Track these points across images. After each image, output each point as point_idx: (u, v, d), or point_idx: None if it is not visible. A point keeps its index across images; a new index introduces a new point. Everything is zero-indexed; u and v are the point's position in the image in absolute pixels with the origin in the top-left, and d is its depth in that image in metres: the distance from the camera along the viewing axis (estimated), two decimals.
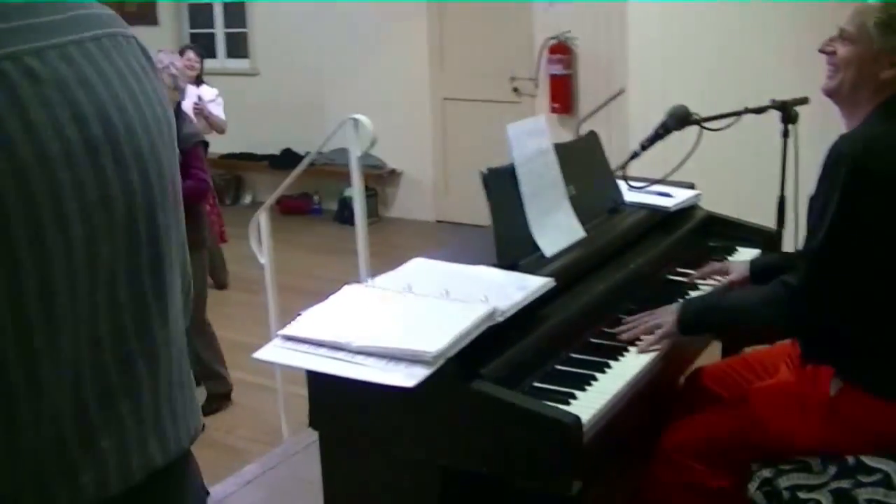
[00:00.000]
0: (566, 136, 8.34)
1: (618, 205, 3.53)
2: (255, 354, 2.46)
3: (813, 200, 2.67)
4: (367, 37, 10.05)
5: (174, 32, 11.71)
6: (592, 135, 3.58)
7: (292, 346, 2.45)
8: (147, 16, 11.85)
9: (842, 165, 2.54)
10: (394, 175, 10.35)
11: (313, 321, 2.53)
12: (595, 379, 2.64)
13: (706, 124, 3.46)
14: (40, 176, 1.17)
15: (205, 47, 11.41)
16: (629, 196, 3.62)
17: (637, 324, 2.94)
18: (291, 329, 2.49)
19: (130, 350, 1.32)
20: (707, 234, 3.82)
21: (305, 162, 5.14)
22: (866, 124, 2.65)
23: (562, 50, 8.90)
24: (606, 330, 2.96)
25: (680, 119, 3.45)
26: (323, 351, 2.39)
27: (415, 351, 2.29)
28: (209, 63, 11.48)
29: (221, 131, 8.31)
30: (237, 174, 11.24)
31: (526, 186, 3.05)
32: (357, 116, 4.63)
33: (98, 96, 1.26)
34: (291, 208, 10.61)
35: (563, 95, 8.97)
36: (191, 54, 8.12)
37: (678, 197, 3.69)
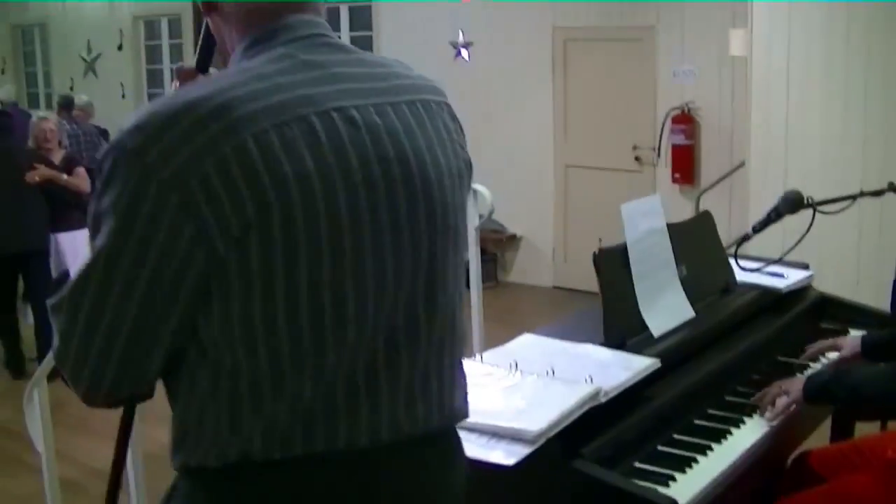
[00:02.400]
0: (687, 206, 8.43)
1: (730, 285, 3.55)
2: None
3: None
4: (493, 104, 10.20)
5: None
6: (706, 214, 3.61)
7: None
8: None
9: None
10: (514, 240, 10.43)
11: None
12: (696, 461, 2.65)
13: (821, 207, 3.46)
14: (345, 199, 1.55)
15: None
16: (742, 276, 3.63)
17: (765, 392, 3.00)
18: None
19: (398, 342, 1.66)
20: (820, 315, 3.81)
21: None
22: None
23: (685, 120, 8.95)
24: (711, 412, 2.97)
25: (792, 204, 3.48)
26: None
27: (517, 429, 2.35)
28: None
29: None
30: None
31: (637, 266, 3.10)
32: (476, 186, 4.73)
33: (401, 144, 1.64)
34: None
35: (684, 166, 9.00)
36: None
37: (791, 278, 3.69)
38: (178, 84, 1.92)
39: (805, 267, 3.88)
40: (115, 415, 1.87)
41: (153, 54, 14.59)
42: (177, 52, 14.00)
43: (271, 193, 1.49)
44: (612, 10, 9.24)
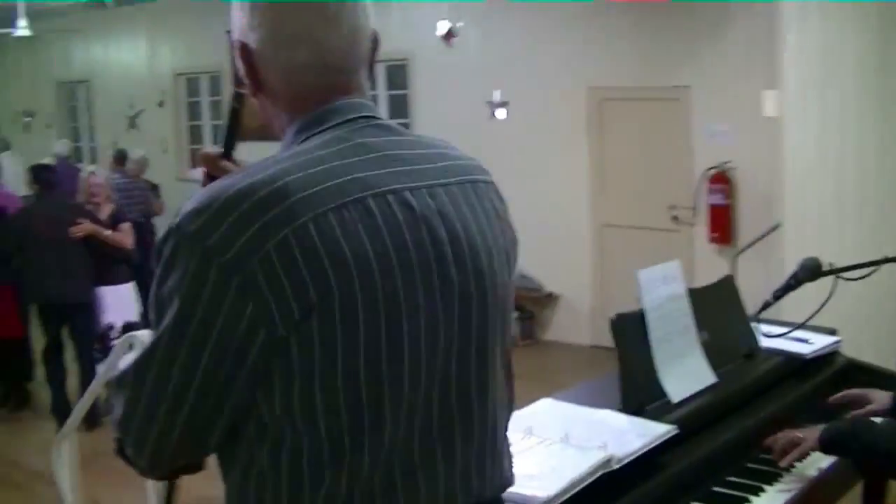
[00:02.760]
0: (723, 266, 8.39)
1: (753, 350, 3.53)
2: None
3: None
4: (528, 162, 10.26)
5: None
6: (728, 279, 3.60)
7: None
8: None
9: None
10: (551, 298, 10.43)
11: None
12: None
13: (844, 274, 3.45)
14: (402, 280, 1.60)
15: None
16: (766, 342, 3.61)
17: (777, 437, 2.97)
18: None
19: (452, 417, 1.71)
20: (847, 381, 3.76)
21: None
22: None
23: (722, 179, 8.96)
24: (731, 479, 2.95)
25: (810, 271, 3.46)
26: None
27: (526, 496, 2.34)
28: None
29: None
30: None
31: (655, 332, 3.09)
32: None
33: (452, 224, 1.70)
34: None
35: (722, 225, 8.99)
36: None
37: (816, 343, 3.66)
38: (204, 171, 1.96)
39: (832, 332, 3.84)
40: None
41: (194, 110, 14.81)
42: (217, 108, 14.21)
43: (332, 275, 1.54)
44: (648, 69, 9.29)
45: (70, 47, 16.57)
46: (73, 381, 7.99)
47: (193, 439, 1.63)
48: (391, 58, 11.78)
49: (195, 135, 14.79)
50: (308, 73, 1.75)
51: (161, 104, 14.87)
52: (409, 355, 1.62)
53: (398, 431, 1.63)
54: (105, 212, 8.23)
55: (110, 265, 8.06)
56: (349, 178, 1.61)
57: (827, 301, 3.42)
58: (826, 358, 3.72)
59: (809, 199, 6.70)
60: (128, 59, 15.49)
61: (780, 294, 3.51)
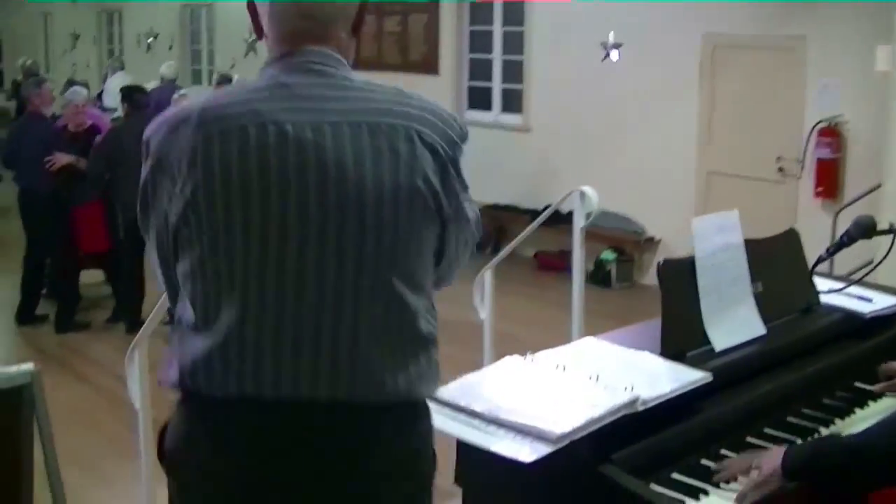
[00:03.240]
0: (826, 221, 8.24)
1: (811, 306, 3.50)
2: None
3: None
4: (638, 106, 10.16)
5: (454, 83, 12.16)
6: (792, 232, 3.55)
7: (436, 408, 2.59)
8: (430, 66, 12.40)
9: None
10: (652, 242, 10.36)
11: (464, 387, 2.68)
12: (735, 478, 2.64)
13: None
14: (257, 188, 2.03)
15: (482, 100, 11.90)
16: (828, 299, 3.57)
17: (734, 463, 2.68)
18: (441, 392, 2.64)
19: (303, 314, 2.07)
20: None
21: (538, 222, 5.29)
22: None
23: (831, 134, 8.76)
24: (768, 431, 2.94)
25: (864, 229, 3.41)
26: (462, 416, 2.54)
27: (541, 429, 2.40)
28: (484, 115, 11.93)
29: None
30: (500, 225, 11.48)
31: (704, 280, 3.09)
32: (584, 188, 4.76)
33: (324, 154, 2.05)
34: (549, 264, 10.79)
35: (828, 180, 8.81)
36: None
37: (879, 303, 3.60)
38: None
39: None
40: None
41: None
42: None
43: (203, 177, 2.05)
44: (764, 18, 9.09)
45: None
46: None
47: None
48: None
49: None
50: (284, 19, 2.17)
51: None
52: (248, 250, 2.05)
53: (241, 309, 2.06)
54: None
55: None
56: (249, 109, 2.07)
57: (884, 259, 3.36)
58: (889, 319, 3.65)
59: None
60: None
61: (833, 251, 3.46)
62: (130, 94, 8.73)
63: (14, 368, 2.61)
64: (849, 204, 8.18)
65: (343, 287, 2.08)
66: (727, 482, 2.60)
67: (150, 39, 18.26)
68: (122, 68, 15.36)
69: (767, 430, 2.95)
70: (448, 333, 7.42)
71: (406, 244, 2.13)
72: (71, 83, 9.81)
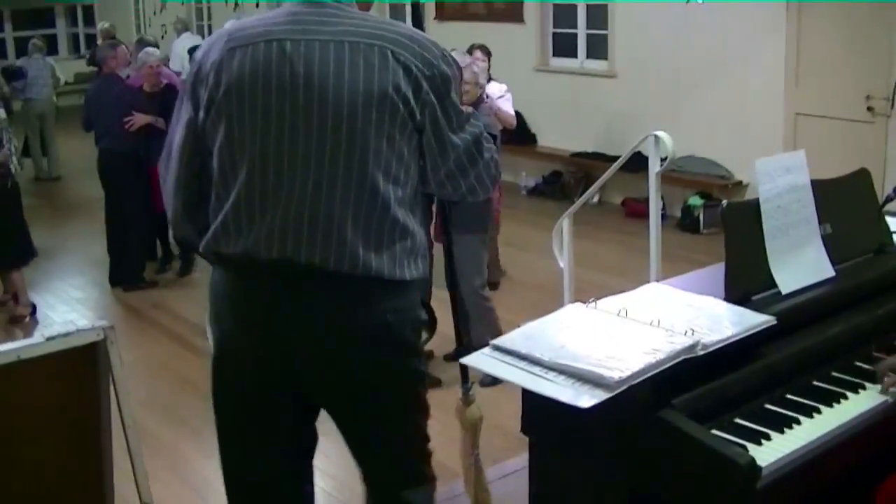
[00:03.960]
0: None
1: (884, 246, 3.45)
2: (462, 360, 2.69)
3: None
4: (725, 48, 10.00)
5: (538, 30, 12.08)
6: (863, 171, 3.50)
7: (498, 356, 2.64)
8: (514, 14, 12.33)
9: None
10: (739, 187, 10.22)
11: (526, 335, 2.71)
12: (798, 423, 2.65)
13: None
14: (262, 92, 2.61)
15: (567, 47, 11.80)
16: None
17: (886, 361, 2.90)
18: (503, 340, 2.68)
19: (271, 185, 2.62)
20: None
21: (613, 168, 5.28)
22: None
23: None
24: (836, 374, 2.93)
25: None
26: (523, 364, 2.57)
27: (599, 374, 2.42)
28: (569, 62, 11.85)
29: (511, 126, 8.63)
30: (587, 172, 11.42)
31: (769, 222, 3.07)
32: (658, 133, 4.72)
33: (311, 66, 2.59)
34: (637, 211, 10.70)
35: None
36: (478, 53, 8.59)
37: None
38: None
39: None
40: None
41: None
42: None
43: (220, 83, 2.67)
44: None
45: None
46: None
47: None
48: None
49: (395, 14, 14.91)
50: None
51: None
52: (255, 136, 2.62)
53: (243, 183, 2.63)
54: None
55: None
56: (264, 30, 2.67)
57: None
58: None
59: None
60: None
61: None
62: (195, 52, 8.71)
63: (88, 326, 2.71)
64: None
65: (324, 169, 2.59)
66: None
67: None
68: (187, 30, 15.49)
69: (835, 374, 2.94)
70: (536, 279, 7.39)
71: (379, 140, 2.60)
72: (142, 43, 9.82)
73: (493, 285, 7.82)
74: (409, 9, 14.64)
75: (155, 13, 21.41)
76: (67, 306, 8.35)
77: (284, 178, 2.60)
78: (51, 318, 7.95)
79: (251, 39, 2.65)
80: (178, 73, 11.48)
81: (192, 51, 8.98)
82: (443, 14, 13.72)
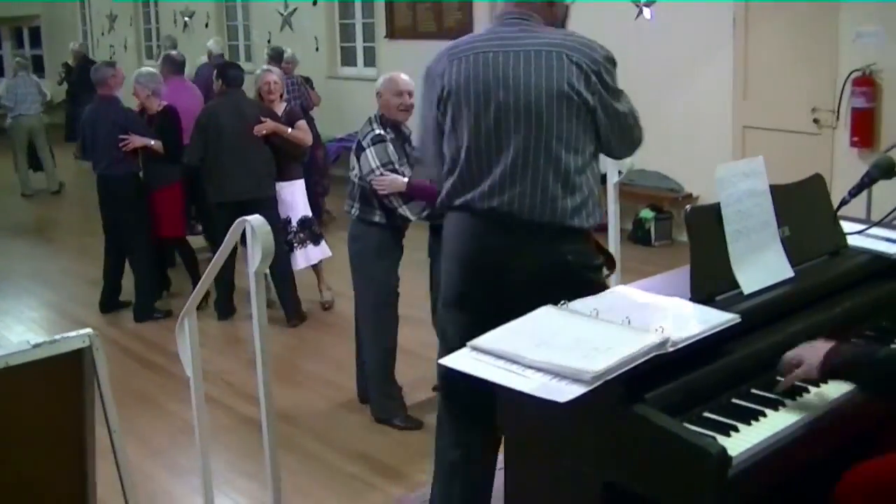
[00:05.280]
0: (863, 170, 8.22)
1: (839, 248, 3.58)
2: (441, 361, 2.78)
3: None
4: (673, 63, 10.20)
5: None
6: (818, 177, 3.64)
7: (477, 356, 2.73)
8: (465, 31, 12.36)
9: None
10: (690, 199, 10.40)
11: (502, 335, 2.81)
12: (764, 415, 2.76)
13: None
14: (472, 91, 3.59)
15: None
16: (854, 241, 3.66)
17: (786, 356, 2.93)
18: (480, 341, 2.78)
19: (488, 155, 3.64)
20: None
21: None
22: None
23: (867, 83, 8.75)
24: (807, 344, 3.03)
25: (884, 170, 3.51)
26: (500, 363, 2.67)
27: (576, 369, 2.52)
28: None
29: None
30: None
31: (731, 225, 3.19)
32: None
33: (507, 70, 3.52)
34: None
35: (864, 129, 8.81)
36: None
37: None
38: None
39: None
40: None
41: (346, 9, 15.04)
42: (369, 6, 14.38)
43: (447, 85, 3.65)
44: None
45: None
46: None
47: None
48: None
49: (346, 33, 15.06)
50: None
51: (315, 2, 15.16)
52: (471, 123, 3.59)
53: (463, 159, 3.64)
54: (279, 109, 8.33)
55: (286, 162, 8.15)
56: (472, 45, 3.64)
57: None
58: None
59: None
60: None
61: (854, 192, 3.56)
62: (225, 70, 8.39)
63: (73, 333, 2.76)
64: (885, 151, 8.18)
65: (520, 147, 3.52)
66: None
67: (187, 18, 18.42)
68: (175, 47, 15.51)
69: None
70: None
71: (560, 122, 3.49)
72: (108, 64, 9.68)
73: None
74: (359, 27, 14.82)
75: (103, 34, 21.36)
76: (24, 326, 8.35)
77: (493, 156, 3.56)
78: (7, 338, 7.92)
79: (465, 52, 3.61)
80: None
81: (219, 68, 8.68)
82: (393, 33, 13.83)
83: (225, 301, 8.30)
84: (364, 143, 5.70)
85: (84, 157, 8.65)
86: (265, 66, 9.24)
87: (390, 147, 5.67)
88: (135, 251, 8.37)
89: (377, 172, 5.58)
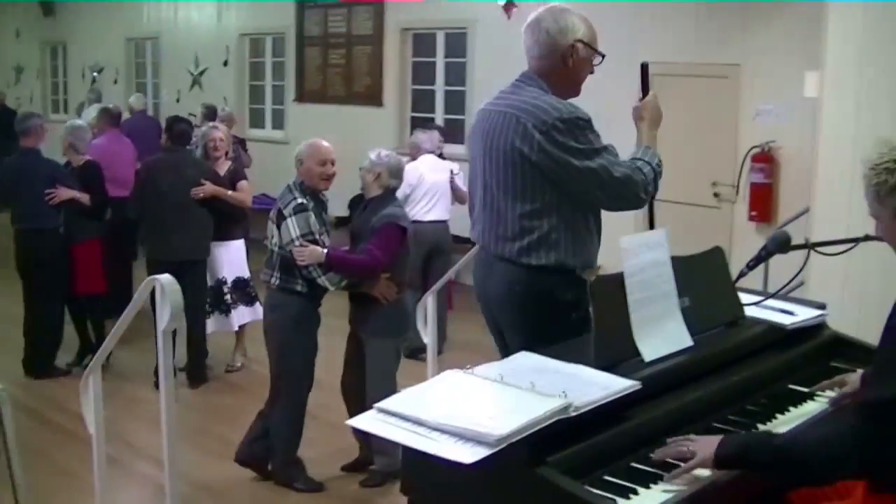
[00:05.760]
0: (761, 243, 8.44)
1: (737, 318, 3.70)
2: (348, 422, 2.82)
3: (888, 330, 2.75)
4: None
5: (397, 114, 12.35)
6: (717, 250, 3.76)
7: (383, 417, 2.76)
8: (374, 97, 12.62)
9: None
10: (594, 270, 10.51)
11: (409, 398, 2.85)
12: (661, 478, 2.82)
13: (819, 249, 3.62)
14: (477, 141, 4.06)
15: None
16: (751, 311, 3.78)
17: (674, 446, 2.92)
18: (387, 403, 2.81)
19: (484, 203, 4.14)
20: (833, 354, 3.91)
21: (471, 253, 5.44)
22: None
23: (765, 159, 9.04)
24: (695, 437, 3.12)
25: (780, 244, 3.65)
26: (407, 425, 2.70)
27: (480, 432, 2.57)
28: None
29: (464, 202, 8.96)
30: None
31: (633, 295, 3.29)
32: None
33: (492, 126, 3.94)
34: None
35: (762, 204, 9.08)
36: (436, 133, 9.42)
37: (800, 315, 3.81)
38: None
39: (821, 306, 3.98)
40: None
41: (257, 71, 15.10)
42: (279, 69, 14.46)
43: (475, 140, 4.10)
44: (699, 46, 9.37)
45: (141, 4, 16.96)
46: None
47: None
48: (451, 26, 11.97)
49: (256, 95, 15.11)
50: None
51: (226, 63, 15.19)
52: (473, 170, 4.11)
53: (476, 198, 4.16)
54: (223, 167, 8.31)
55: (225, 223, 8.12)
56: (485, 105, 4.07)
57: (798, 273, 3.62)
58: (811, 330, 3.86)
59: (840, 183, 6.77)
60: (196, 17, 15.81)
61: (752, 265, 3.69)
62: (171, 125, 8.41)
63: None
64: (782, 226, 8.42)
65: (483, 193, 4.03)
66: (663, 464, 2.87)
67: (96, 73, 18.30)
68: (99, 100, 15.35)
69: (694, 436, 3.12)
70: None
71: (506, 175, 3.88)
72: (34, 115, 9.51)
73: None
74: (269, 89, 14.87)
75: (9, 86, 21.10)
76: None
77: (485, 199, 4.02)
78: None
79: (481, 111, 4.06)
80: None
81: (168, 121, 8.75)
82: (302, 96, 13.90)
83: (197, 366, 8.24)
84: (285, 212, 5.69)
85: (3, 206, 8.45)
86: (211, 124, 9.26)
87: (312, 217, 5.69)
88: (45, 305, 8.21)
89: (297, 243, 5.60)
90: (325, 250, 5.61)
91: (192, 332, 8.01)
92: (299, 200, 5.71)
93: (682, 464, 2.83)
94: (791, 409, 3.39)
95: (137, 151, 10.17)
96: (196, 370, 8.14)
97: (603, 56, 4.10)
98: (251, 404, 6.54)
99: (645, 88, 4.35)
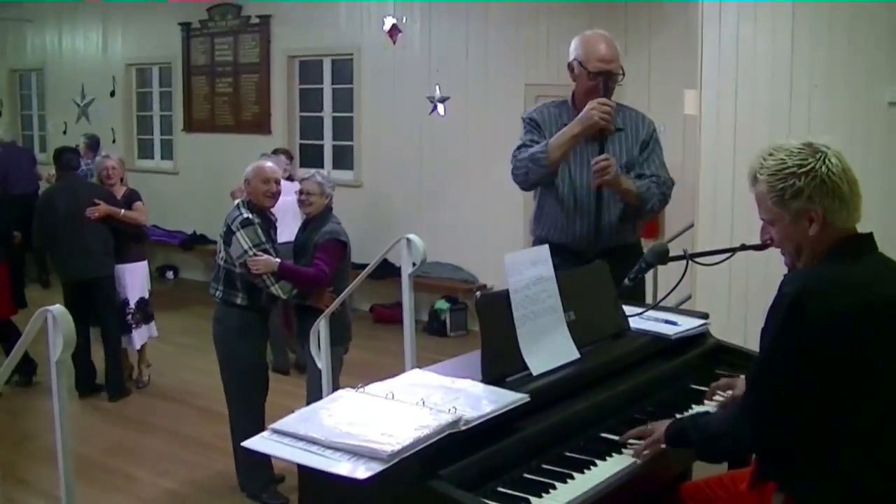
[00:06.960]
0: None
1: (622, 330, 3.80)
2: (243, 443, 2.83)
3: (763, 331, 2.89)
4: (466, 158, 10.57)
5: (285, 142, 12.36)
6: (601, 264, 3.87)
7: (278, 438, 2.80)
8: (262, 125, 12.62)
9: (783, 300, 2.78)
10: (484, 290, 10.66)
11: (302, 418, 2.88)
12: (554, 487, 2.90)
13: (698, 259, 3.75)
14: None
15: (314, 157, 12.13)
16: (636, 323, 3.89)
17: (638, 428, 3.26)
18: (281, 424, 2.84)
19: None
20: (716, 362, 4.04)
21: (365, 272, 5.49)
22: (813, 266, 2.90)
23: None
24: (583, 445, 3.22)
25: (658, 256, 3.78)
26: (301, 444, 2.74)
27: (373, 448, 2.61)
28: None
29: None
30: None
31: (519, 311, 3.36)
32: (410, 236, 4.96)
33: None
34: (384, 316, 11.06)
35: (649, 220, 9.22)
36: (283, 157, 9.53)
37: (683, 326, 3.94)
38: None
39: (704, 316, 4.12)
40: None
41: (144, 101, 14.97)
42: (167, 99, 14.36)
43: None
44: None
45: (24, 35, 16.68)
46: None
47: None
48: (338, 52, 12.02)
49: (144, 125, 14.97)
50: None
51: (112, 94, 15.02)
52: None
53: None
54: (119, 192, 8.64)
55: (127, 243, 8.51)
56: None
57: (678, 284, 3.74)
58: (695, 339, 3.99)
59: (721, 197, 6.97)
60: (81, 48, 15.60)
61: (633, 277, 3.81)
62: (59, 155, 8.90)
63: None
64: (669, 241, 8.61)
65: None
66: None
67: None
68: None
69: (583, 444, 3.22)
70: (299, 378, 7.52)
71: None
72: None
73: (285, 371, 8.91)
74: (157, 119, 14.75)
75: None
76: None
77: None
78: None
79: None
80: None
81: (56, 152, 9.19)
82: (191, 125, 13.82)
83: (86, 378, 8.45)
84: (233, 227, 5.95)
85: None
86: (104, 154, 9.71)
87: (259, 230, 5.96)
88: None
89: (250, 253, 5.88)
90: (279, 260, 5.92)
91: (108, 346, 8.41)
92: (245, 216, 5.97)
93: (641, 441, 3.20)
94: (678, 416, 3.49)
95: (9, 183, 10.66)
96: (115, 384, 8.44)
97: (601, 73, 4.83)
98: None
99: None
